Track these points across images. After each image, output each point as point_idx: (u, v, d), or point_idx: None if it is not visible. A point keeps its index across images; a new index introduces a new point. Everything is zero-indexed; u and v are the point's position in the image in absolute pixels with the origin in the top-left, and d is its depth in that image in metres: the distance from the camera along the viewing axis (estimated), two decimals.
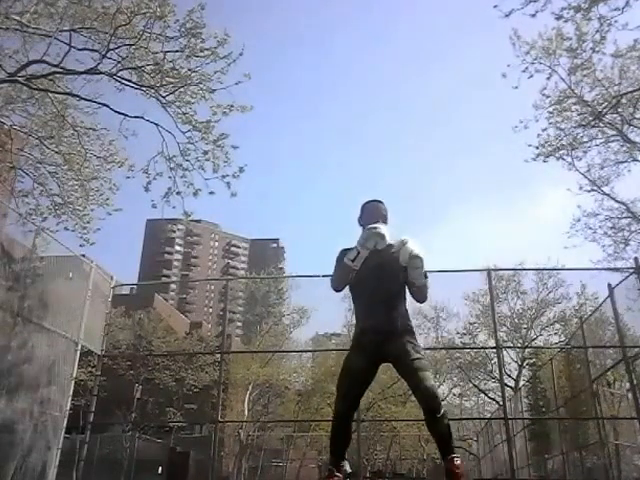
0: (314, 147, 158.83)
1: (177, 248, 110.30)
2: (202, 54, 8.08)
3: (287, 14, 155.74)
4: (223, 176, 8.44)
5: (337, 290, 3.17)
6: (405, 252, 2.97)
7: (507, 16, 7.22)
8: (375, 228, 2.96)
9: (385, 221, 3.21)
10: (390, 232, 3.05)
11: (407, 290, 3.15)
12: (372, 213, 3.24)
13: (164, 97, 8.30)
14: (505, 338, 21.93)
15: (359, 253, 2.95)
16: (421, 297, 3.18)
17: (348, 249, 3.11)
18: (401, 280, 3.09)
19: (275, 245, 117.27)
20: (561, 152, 10.42)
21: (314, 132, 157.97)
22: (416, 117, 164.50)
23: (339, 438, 3.01)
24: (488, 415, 25.26)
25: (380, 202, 3.32)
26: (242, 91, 8.52)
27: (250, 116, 9.02)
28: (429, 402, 2.74)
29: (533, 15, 7.13)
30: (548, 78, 9.55)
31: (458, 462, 2.67)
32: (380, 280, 3.05)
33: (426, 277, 3.09)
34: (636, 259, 6.93)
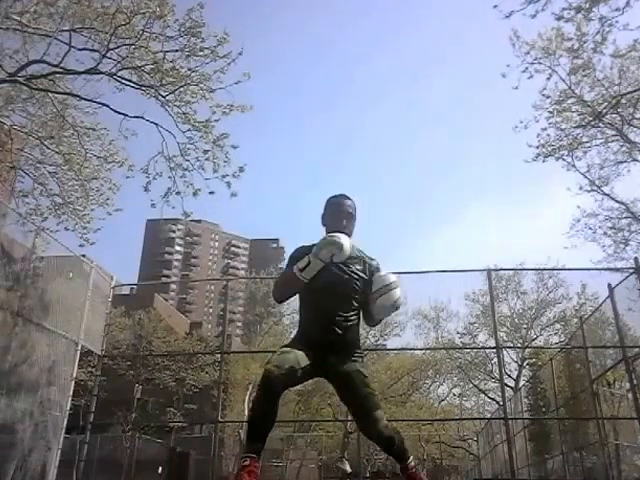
0: (316, 146, 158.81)
1: (177, 248, 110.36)
2: (202, 53, 8.09)
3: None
4: (223, 176, 8.46)
5: (278, 301, 2.84)
6: (380, 283, 2.64)
7: (507, 17, 7.23)
8: (333, 237, 2.54)
9: (351, 220, 2.80)
10: (351, 242, 2.63)
11: (360, 312, 2.78)
12: (336, 212, 2.79)
13: (164, 97, 8.31)
14: (505, 338, 21.95)
15: (309, 263, 2.53)
16: (373, 324, 2.95)
17: (305, 247, 2.72)
18: (356, 304, 2.71)
19: (275, 245, 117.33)
20: (561, 152, 10.43)
21: (317, 131, 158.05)
22: (420, 116, 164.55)
23: (263, 413, 2.38)
24: (488, 415, 25.25)
25: (347, 198, 2.85)
26: (243, 90, 8.54)
27: (251, 116, 9.03)
28: (385, 444, 2.68)
29: (533, 16, 7.14)
30: (548, 78, 9.56)
31: (413, 464, 2.71)
32: (333, 299, 2.66)
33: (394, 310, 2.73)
34: (636, 259, 6.93)
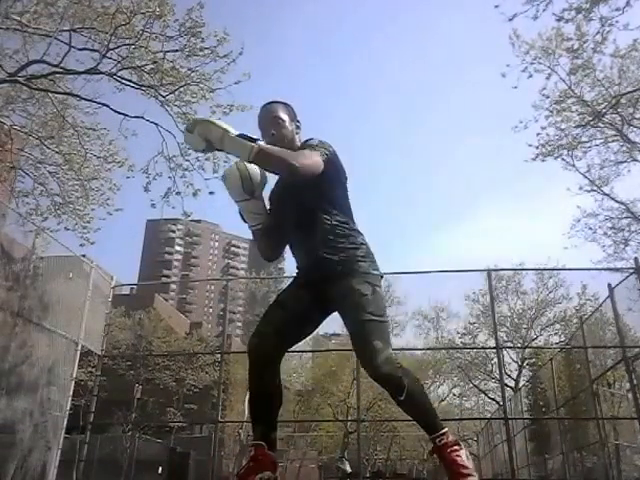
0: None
1: (177, 248, 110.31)
2: (202, 53, 8.11)
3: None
4: None
5: (269, 260, 2.39)
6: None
7: (510, 20, 7.25)
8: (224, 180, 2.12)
9: (278, 127, 2.15)
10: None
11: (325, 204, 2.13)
12: (261, 127, 2.20)
13: (164, 97, 8.32)
14: (505, 338, 21.94)
15: (240, 211, 2.19)
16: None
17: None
18: (313, 192, 2.09)
19: None
20: (561, 152, 10.44)
21: (317, 130, 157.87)
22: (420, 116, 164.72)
23: (253, 391, 2.12)
24: (488, 415, 25.23)
25: (268, 103, 2.22)
26: (243, 90, 8.54)
27: (251, 115, 9.02)
28: (386, 386, 1.95)
29: (535, 18, 7.16)
30: (547, 78, 9.58)
31: (444, 441, 1.92)
32: (287, 207, 2.19)
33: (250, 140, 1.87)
34: (636, 259, 6.92)
